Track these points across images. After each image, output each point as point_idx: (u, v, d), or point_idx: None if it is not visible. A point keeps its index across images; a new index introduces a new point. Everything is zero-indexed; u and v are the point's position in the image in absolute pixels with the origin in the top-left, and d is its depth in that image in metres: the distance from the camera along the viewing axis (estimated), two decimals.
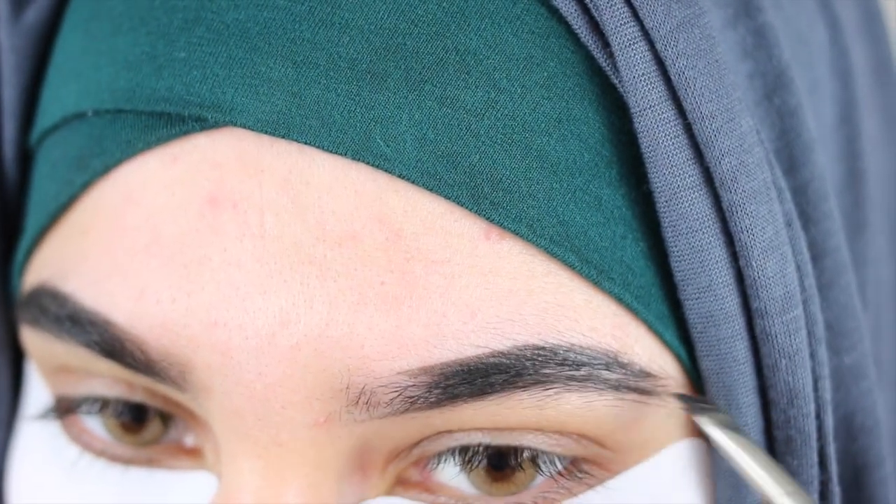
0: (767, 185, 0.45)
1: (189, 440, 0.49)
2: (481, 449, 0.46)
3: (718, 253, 0.45)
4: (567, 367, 0.44)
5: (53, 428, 0.50)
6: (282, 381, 0.44)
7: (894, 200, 0.56)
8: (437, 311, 0.44)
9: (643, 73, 0.44)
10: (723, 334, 0.45)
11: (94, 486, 0.49)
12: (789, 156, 0.48)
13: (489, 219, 0.44)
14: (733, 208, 0.45)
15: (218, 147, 0.45)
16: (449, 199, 0.44)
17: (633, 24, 0.44)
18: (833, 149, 0.52)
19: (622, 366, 0.45)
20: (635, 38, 0.44)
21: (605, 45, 0.45)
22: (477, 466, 0.46)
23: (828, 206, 0.48)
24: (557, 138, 0.45)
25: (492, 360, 0.44)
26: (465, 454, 0.46)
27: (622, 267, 0.45)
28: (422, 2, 0.45)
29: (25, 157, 0.53)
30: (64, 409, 0.50)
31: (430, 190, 0.44)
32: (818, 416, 0.47)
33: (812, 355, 0.47)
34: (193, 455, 0.48)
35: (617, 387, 0.45)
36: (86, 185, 0.47)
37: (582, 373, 0.44)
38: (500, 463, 0.46)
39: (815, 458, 0.47)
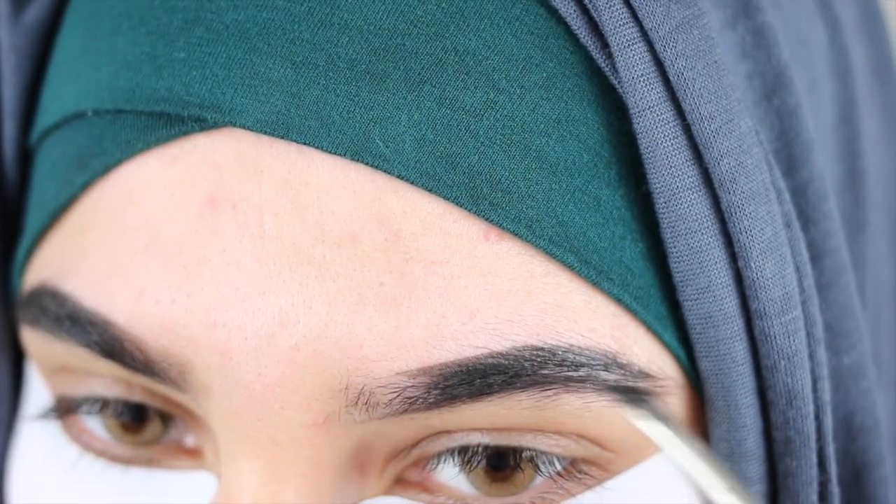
0: (766, 186, 0.45)
1: (189, 440, 0.49)
2: (480, 449, 0.46)
3: (717, 254, 0.45)
4: (566, 368, 0.44)
5: (53, 428, 0.50)
6: (281, 382, 0.44)
7: (894, 200, 0.56)
8: (436, 311, 0.44)
9: (642, 74, 0.44)
10: (722, 335, 0.45)
11: (95, 486, 0.49)
12: (788, 156, 0.47)
13: (488, 219, 0.44)
14: (732, 209, 0.45)
15: (217, 147, 0.45)
16: (448, 199, 0.44)
17: (632, 24, 0.44)
18: (832, 149, 0.52)
19: (621, 367, 0.45)
20: (634, 38, 0.44)
21: (605, 45, 0.45)
22: (476, 467, 0.46)
23: (827, 207, 0.48)
24: (556, 139, 0.45)
25: (490, 360, 0.44)
26: (465, 454, 0.46)
27: (621, 268, 0.45)
28: (421, 2, 0.45)
29: (25, 157, 0.53)
30: (64, 409, 0.50)
31: (429, 190, 0.44)
32: (817, 417, 0.47)
33: (811, 356, 0.47)
34: (193, 455, 0.48)
35: (616, 387, 0.45)
36: (86, 185, 0.47)
37: (581, 373, 0.44)
38: (499, 463, 0.46)
39: (814, 458, 0.47)
